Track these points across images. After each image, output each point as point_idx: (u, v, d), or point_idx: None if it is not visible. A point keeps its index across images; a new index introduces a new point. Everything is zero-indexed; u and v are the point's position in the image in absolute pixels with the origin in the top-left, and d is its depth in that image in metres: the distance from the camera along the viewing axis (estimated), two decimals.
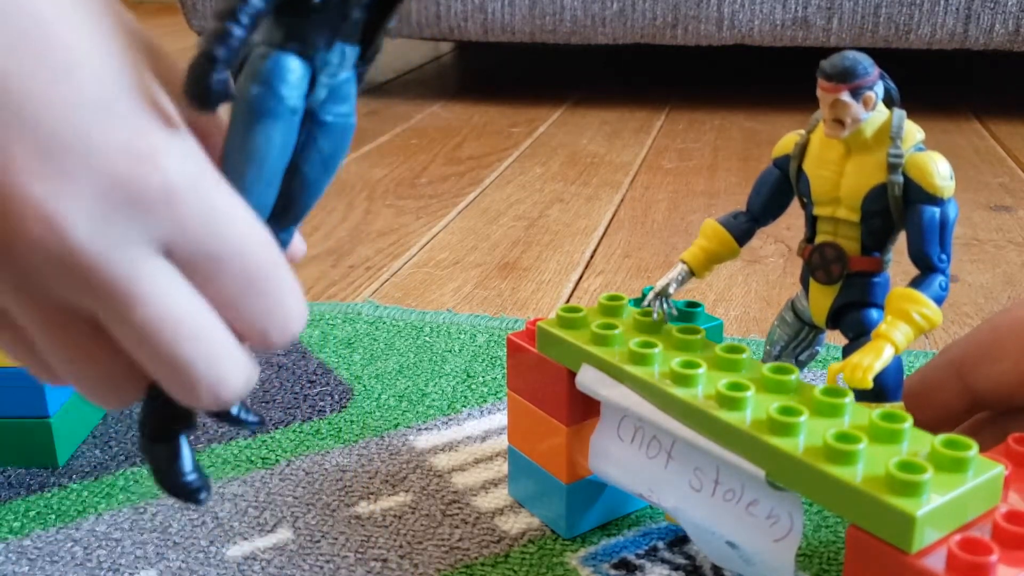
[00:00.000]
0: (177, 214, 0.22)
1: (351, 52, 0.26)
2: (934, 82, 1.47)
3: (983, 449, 0.30)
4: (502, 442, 0.48)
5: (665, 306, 0.39)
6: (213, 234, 0.23)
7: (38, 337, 0.24)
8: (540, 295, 0.68)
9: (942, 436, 0.29)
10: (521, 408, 0.41)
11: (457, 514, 0.42)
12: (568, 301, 0.67)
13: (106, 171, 0.22)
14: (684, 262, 0.40)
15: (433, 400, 0.52)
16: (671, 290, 0.39)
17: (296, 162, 0.27)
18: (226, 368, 0.24)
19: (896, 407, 0.36)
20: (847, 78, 0.34)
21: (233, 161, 0.25)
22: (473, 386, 0.53)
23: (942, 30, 1.14)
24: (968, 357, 0.37)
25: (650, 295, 0.39)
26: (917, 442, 0.30)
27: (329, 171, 0.28)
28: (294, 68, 0.25)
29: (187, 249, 0.23)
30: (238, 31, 0.23)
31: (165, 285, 0.23)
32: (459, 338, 0.59)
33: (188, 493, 0.28)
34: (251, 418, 0.28)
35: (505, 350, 0.48)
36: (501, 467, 0.45)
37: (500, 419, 0.50)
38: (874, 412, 0.31)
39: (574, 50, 1.72)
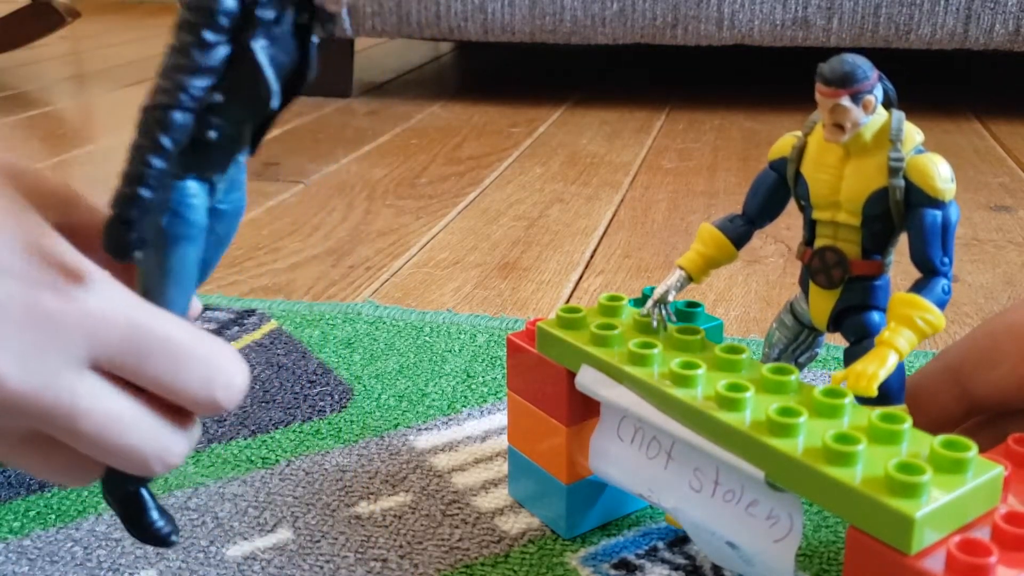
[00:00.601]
0: (97, 336, 0.26)
1: (242, 156, 0.29)
2: (934, 82, 1.47)
3: (981, 450, 0.30)
4: (502, 442, 0.48)
5: (664, 313, 0.38)
6: (134, 342, 0.26)
7: None
8: (540, 295, 0.68)
9: (941, 437, 0.29)
10: (521, 408, 0.41)
11: (457, 514, 0.42)
12: (568, 301, 0.67)
13: (18, 320, 0.25)
14: (682, 268, 0.39)
15: (433, 400, 0.52)
16: (670, 297, 0.38)
17: None
18: (169, 439, 0.28)
19: (898, 409, 0.36)
20: (847, 83, 0.33)
21: (153, 280, 0.28)
22: (473, 386, 0.53)
23: (942, 30, 1.14)
24: (965, 362, 0.37)
25: (649, 303, 0.39)
26: (916, 443, 0.30)
27: (223, 247, 0.30)
28: (197, 192, 0.28)
29: (113, 360, 0.26)
30: (147, 193, 0.26)
31: (100, 395, 0.26)
32: (459, 338, 0.59)
33: (158, 540, 0.31)
34: (164, 528, 0.31)
35: (505, 350, 0.48)
36: (501, 467, 0.45)
37: (500, 419, 0.50)
38: (873, 413, 0.31)
39: (574, 50, 1.72)
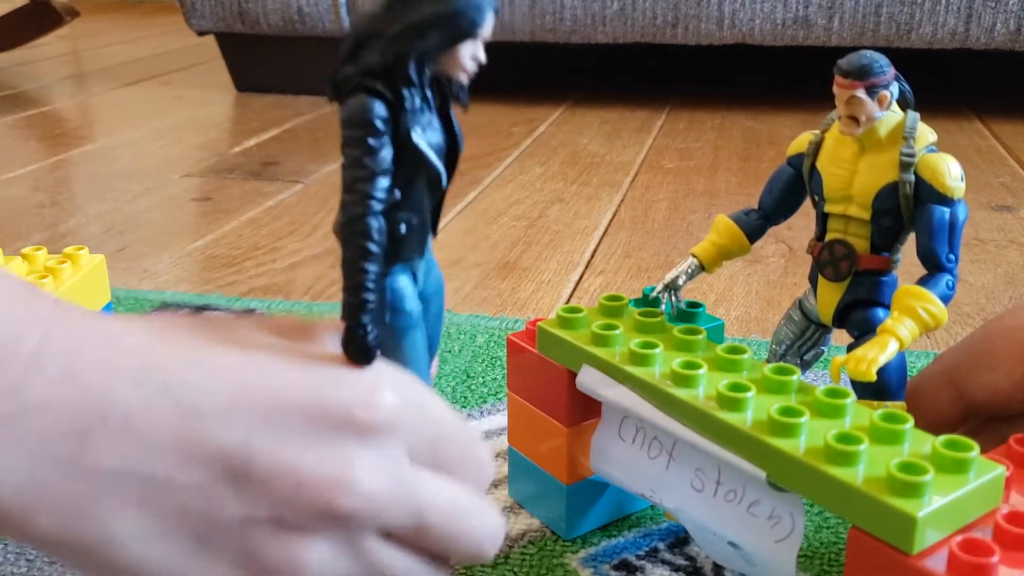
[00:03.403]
0: (408, 428, 0.28)
1: (429, 238, 0.31)
2: (935, 81, 1.47)
3: (980, 453, 0.30)
4: (502, 443, 0.47)
5: (674, 298, 0.39)
6: (433, 427, 0.29)
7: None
8: (540, 295, 0.68)
9: (943, 437, 0.29)
10: (521, 409, 0.41)
11: None
12: (568, 301, 0.67)
13: (349, 429, 0.27)
14: (695, 256, 0.40)
15: None
16: (680, 282, 0.39)
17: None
18: (493, 523, 0.31)
19: (897, 406, 0.36)
20: (863, 76, 0.34)
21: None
22: (473, 387, 0.53)
23: (943, 29, 1.14)
24: (960, 365, 0.37)
25: (659, 287, 0.40)
26: (918, 443, 0.30)
27: (440, 322, 0.33)
28: (405, 285, 0.31)
29: (423, 448, 0.29)
30: (371, 297, 0.28)
31: (433, 485, 0.29)
32: (459, 338, 0.59)
33: None
34: None
35: (505, 350, 0.48)
36: (501, 468, 0.45)
37: (500, 420, 0.50)
38: (875, 413, 0.31)
39: (574, 49, 1.72)
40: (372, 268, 0.28)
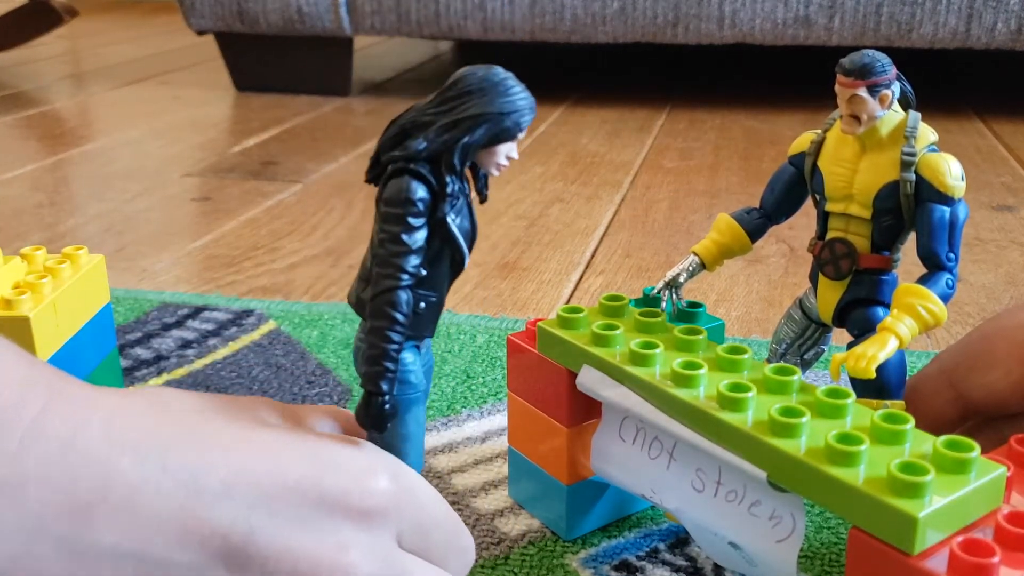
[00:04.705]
0: (399, 514, 0.29)
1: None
2: (936, 81, 1.47)
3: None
4: (502, 443, 0.47)
5: (674, 296, 0.39)
6: (423, 514, 0.30)
7: None
8: (540, 295, 0.68)
9: (944, 437, 0.29)
10: (521, 409, 0.41)
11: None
12: (568, 301, 0.67)
13: (345, 510, 0.27)
14: (696, 254, 0.40)
15: (433, 401, 0.52)
16: (681, 280, 0.40)
17: None
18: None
19: (897, 405, 0.36)
20: (864, 74, 0.34)
21: (394, 447, 0.32)
22: (473, 387, 0.53)
23: (944, 29, 1.14)
24: (960, 366, 0.37)
25: (660, 284, 0.40)
26: (919, 443, 0.30)
27: (426, 398, 0.34)
28: (413, 359, 0.33)
29: (411, 534, 0.29)
30: (392, 366, 0.30)
31: (420, 571, 0.29)
32: (459, 338, 0.59)
33: None
34: None
35: (505, 350, 0.48)
36: (501, 468, 0.45)
37: (500, 420, 0.50)
38: (876, 413, 0.31)
39: (574, 49, 1.72)
40: (398, 338, 0.30)
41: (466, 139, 0.29)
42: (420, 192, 0.30)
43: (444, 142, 0.29)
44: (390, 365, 0.30)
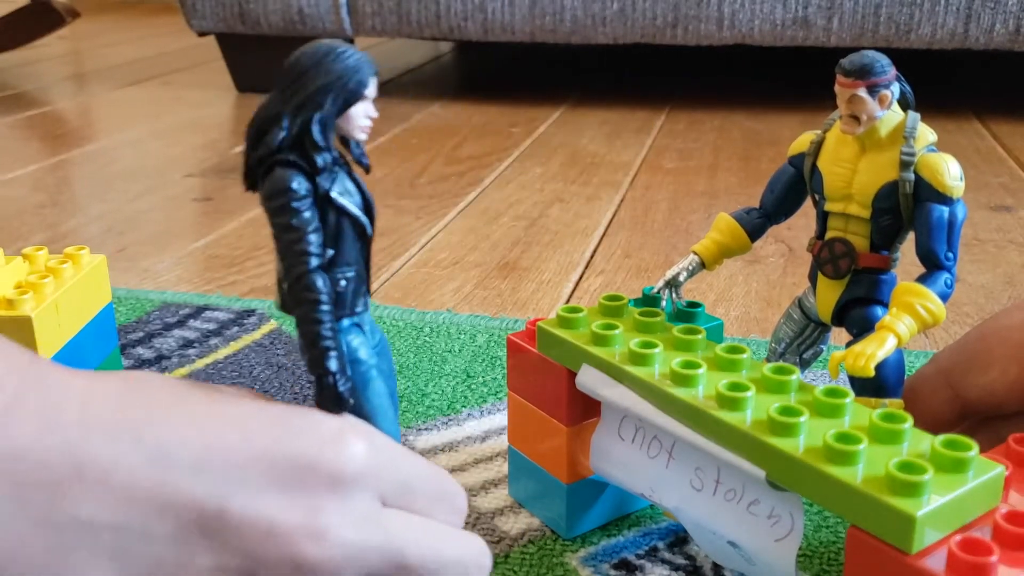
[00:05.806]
0: (377, 474, 0.29)
1: (367, 296, 0.34)
2: (935, 82, 1.47)
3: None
4: (502, 442, 0.48)
5: (674, 295, 0.40)
6: (402, 471, 0.30)
7: None
8: (540, 295, 0.68)
9: (942, 436, 0.29)
10: (521, 408, 0.41)
11: None
12: (568, 301, 0.67)
13: (315, 483, 0.28)
14: (696, 253, 0.40)
15: (433, 400, 0.52)
16: (681, 279, 0.40)
17: None
18: (476, 547, 0.32)
19: (895, 404, 0.36)
20: (864, 75, 0.35)
21: (365, 420, 0.32)
22: (473, 386, 0.53)
23: (943, 30, 1.14)
24: (957, 366, 0.37)
25: (659, 283, 0.40)
26: (917, 443, 0.30)
27: (393, 378, 0.35)
28: (355, 337, 0.33)
29: (394, 492, 0.29)
30: (330, 344, 0.30)
31: (409, 524, 0.29)
32: (459, 338, 0.59)
33: None
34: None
35: (505, 350, 0.48)
36: (501, 467, 0.45)
37: (500, 419, 0.50)
38: (874, 412, 0.31)
39: (574, 50, 1.72)
40: (326, 319, 0.30)
41: (318, 114, 0.30)
42: (294, 178, 0.30)
43: (299, 124, 0.30)
44: (328, 344, 0.30)
